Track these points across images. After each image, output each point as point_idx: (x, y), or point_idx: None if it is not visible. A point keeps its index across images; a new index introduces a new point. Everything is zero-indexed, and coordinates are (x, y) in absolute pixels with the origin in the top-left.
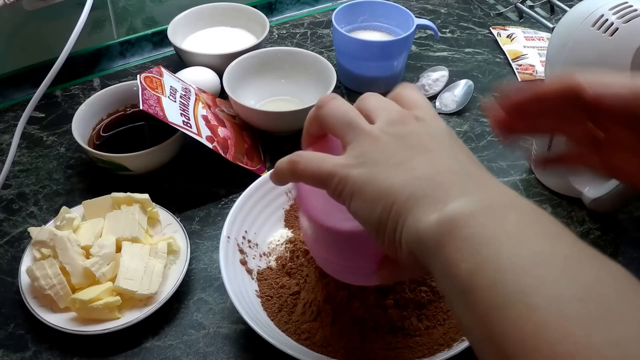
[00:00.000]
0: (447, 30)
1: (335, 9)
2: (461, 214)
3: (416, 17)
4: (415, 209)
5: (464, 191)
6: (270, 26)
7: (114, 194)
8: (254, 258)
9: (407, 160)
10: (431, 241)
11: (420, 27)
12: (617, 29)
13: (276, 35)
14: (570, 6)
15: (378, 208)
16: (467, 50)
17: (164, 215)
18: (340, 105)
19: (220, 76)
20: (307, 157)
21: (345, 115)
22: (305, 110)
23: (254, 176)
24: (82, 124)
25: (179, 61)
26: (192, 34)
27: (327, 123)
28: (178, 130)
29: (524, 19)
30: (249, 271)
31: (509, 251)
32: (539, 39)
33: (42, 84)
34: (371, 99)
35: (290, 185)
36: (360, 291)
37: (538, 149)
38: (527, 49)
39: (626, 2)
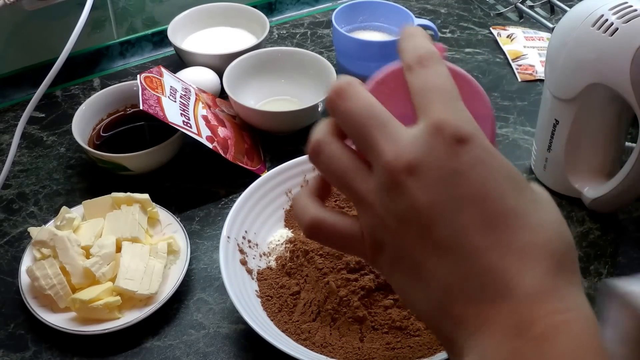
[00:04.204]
0: (447, 30)
1: (335, 9)
2: None
3: (416, 17)
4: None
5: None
6: (270, 26)
7: (114, 194)
8: (254, 258)
9: (422, 268)
10: None
11: (420, 27)
12: (617, 29)
13: (276, 35)
14: (570, 6)
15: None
16: (467, 50)
17: (164, 215)
18: (331, 160)
19: (220, 76)
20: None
21: (337, 174)
22: (305, 110)
23: (254, 176)
24: (82, 124)
25: (179, 61)
26: (192, 34)
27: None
28: (178, 130)
29: (524, 19)
30: (249, 271)
31: None
32: (539, 39)
33: (42, 84)
34: (346, 113)
35: (289, 185)
36: (361, 291)
37: (538, 149)
38: (527, 49)
39: (626, 2)
